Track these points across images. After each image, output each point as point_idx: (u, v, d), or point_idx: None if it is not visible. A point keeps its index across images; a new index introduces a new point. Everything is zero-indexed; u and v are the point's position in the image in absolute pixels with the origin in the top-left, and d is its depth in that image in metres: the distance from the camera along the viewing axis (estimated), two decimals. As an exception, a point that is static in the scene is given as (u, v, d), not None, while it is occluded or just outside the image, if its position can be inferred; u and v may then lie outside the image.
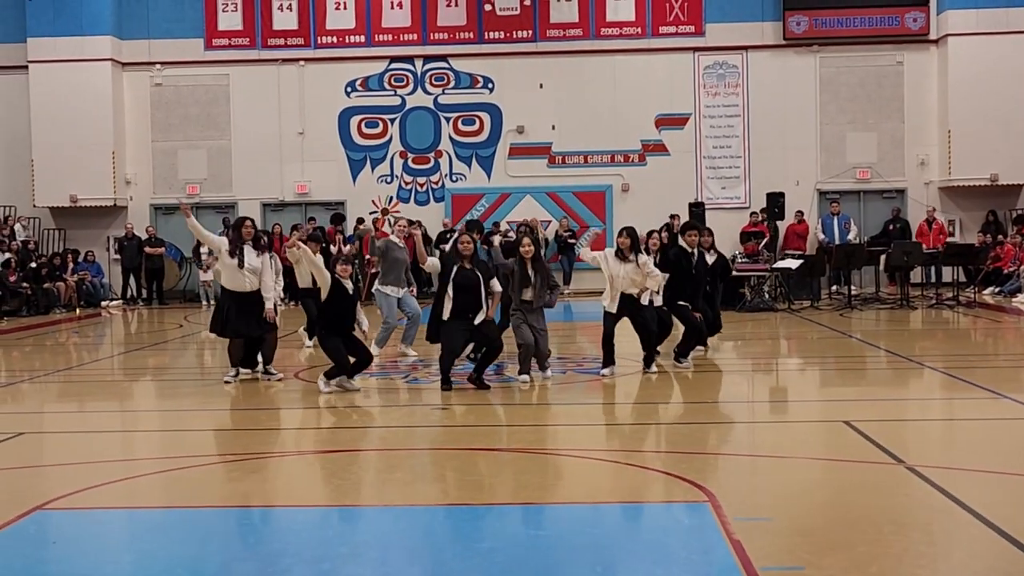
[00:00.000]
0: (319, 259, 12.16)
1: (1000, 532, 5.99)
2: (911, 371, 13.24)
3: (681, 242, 13.78)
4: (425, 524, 6.77)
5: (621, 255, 12.42)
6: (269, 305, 12.42)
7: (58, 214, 28.15)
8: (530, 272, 12.11)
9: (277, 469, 8.57)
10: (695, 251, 13.59)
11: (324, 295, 11.75)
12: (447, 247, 14.29)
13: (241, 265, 12.35)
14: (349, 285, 11.71)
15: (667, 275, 13.12)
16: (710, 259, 14.43)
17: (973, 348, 16.23)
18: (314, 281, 12.39)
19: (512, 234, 25.83)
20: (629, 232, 12.56)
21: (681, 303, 13.34)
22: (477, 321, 11.66)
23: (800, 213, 25.74)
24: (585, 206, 27.47)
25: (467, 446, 8.93)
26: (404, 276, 14.49)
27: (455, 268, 11.79)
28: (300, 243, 13.02)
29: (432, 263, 12.86)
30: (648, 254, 12.89)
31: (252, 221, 12.98)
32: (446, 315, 11.69)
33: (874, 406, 10.69)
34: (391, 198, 27.92)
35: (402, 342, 14.72)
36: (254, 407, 11.72)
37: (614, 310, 12.44)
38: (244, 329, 12.48)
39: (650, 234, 14.00)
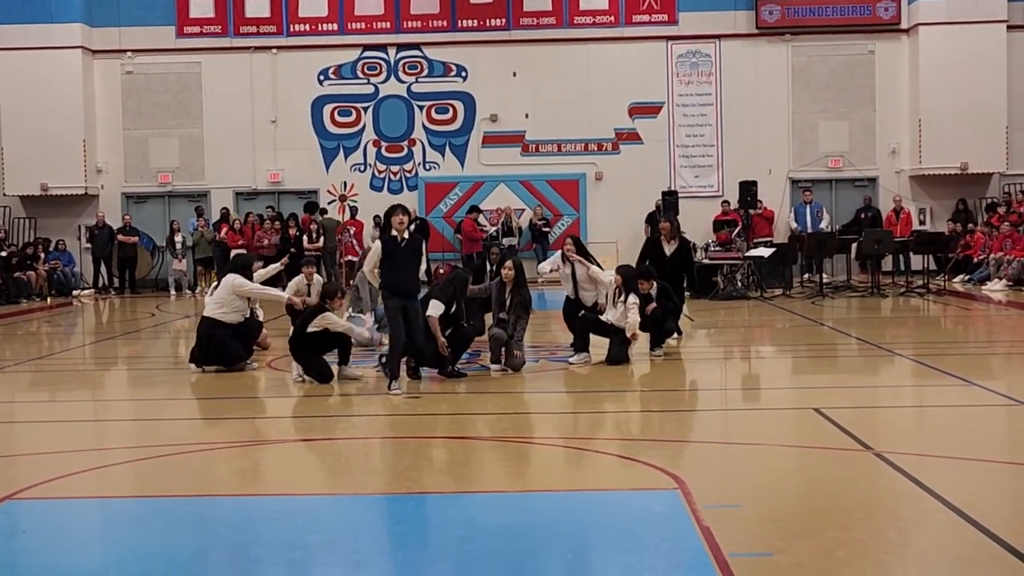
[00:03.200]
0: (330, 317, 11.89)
1: (966, 518, 6.05)
2: (881, 359, 13.33)
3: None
4: (396, 512, 6.78)
5: (565, 258, 13.07)
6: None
7: (29, 203, 27.95)
8: (506, 296, 12.17)
9: (249, 458, 8.56)
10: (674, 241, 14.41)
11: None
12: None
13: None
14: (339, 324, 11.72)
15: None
16: (669, 249, 14.62)
17: (943, 336, 16.36)
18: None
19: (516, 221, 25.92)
20: (574, 240, 13.36)
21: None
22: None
23: (759, 202, 25.64)
24: (559, 194, 27.49)
25: (438, 434, 8.95)
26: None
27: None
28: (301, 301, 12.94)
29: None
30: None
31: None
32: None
33: (844, 393, 10.76)
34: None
35: (380, 330, 14.64)
36: (226, 396, 11.69)
37: (573, 296, 13.14)
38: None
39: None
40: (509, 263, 12.36)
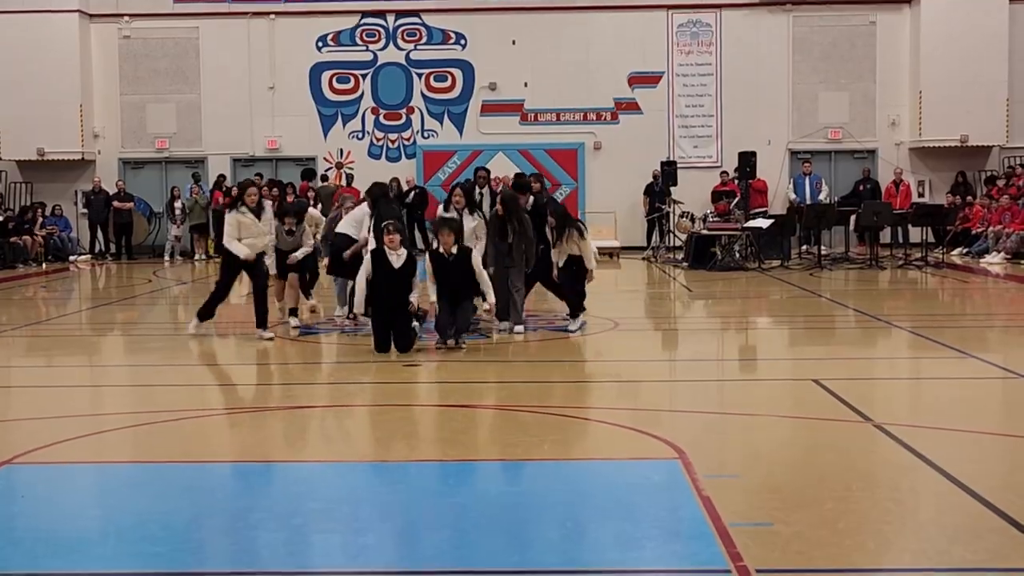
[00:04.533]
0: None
1: (966, 489, 6.05)
2: (879, 330, 13.33)
3: None
4: (394, 480, 6.78)
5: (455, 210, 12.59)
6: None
7: (25, 168, 27.84)
8: (509, 229, 12.14)
9: (248, 424, 8.56)
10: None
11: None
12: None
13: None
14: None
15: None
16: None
17: (941, 308, 16.36)
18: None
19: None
20: (464, 191, 12.90)
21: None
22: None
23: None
24: (557, 164, 27.40)
25: (437, 403, 8.94)
26: None
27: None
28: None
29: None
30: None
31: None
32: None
33: (843, 365, 10.77)
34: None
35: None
36: (224, 363, 11.70)
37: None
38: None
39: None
40: (500, 198, 12.45)
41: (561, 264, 12.57)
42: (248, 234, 12.26)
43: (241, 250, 12.16)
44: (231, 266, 12.48)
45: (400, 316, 11.24)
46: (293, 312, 13.40)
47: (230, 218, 12.34)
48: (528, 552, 5.33)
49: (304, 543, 5.49)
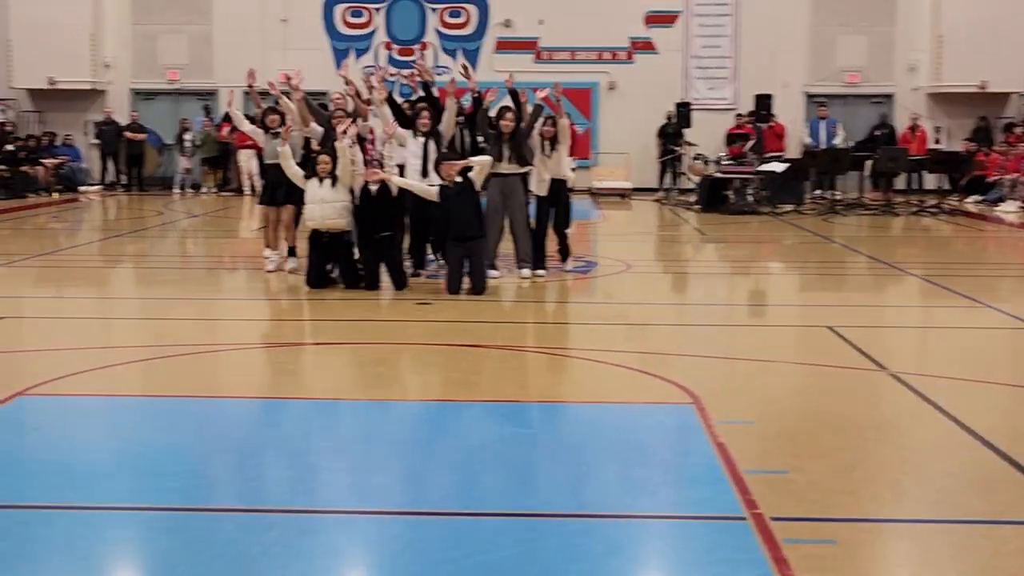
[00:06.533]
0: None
1: (981, 439, 6.03)
2: (893, 278, 13.25)
3: None
4: (406, 419, 6.77)
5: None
6: None
7: (36, 96, 27.65)
8: (504, 150, 11.91)
9: (260, 361, 8.54)
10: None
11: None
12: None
13: None
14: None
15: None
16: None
17: (954, 256, 16.24)
18: None
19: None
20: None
21: None
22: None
23: (773, 116, 25.18)
24: (571, 103, 27.11)
25: (450, 342, 8.90)
26: None
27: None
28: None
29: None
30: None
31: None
32: None
33: (857, 312, 10.71)
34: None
35: None
36: (238, 297, 11.68)
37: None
38: None
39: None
40: (509, 114, 11.95)
41: (544, 192, 12.31)
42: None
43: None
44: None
45: (390, 249, 11.21)
46: (292, 251, 12.67)
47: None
48: (539, 495, 5.32)
49: (314, 481, 5.49)
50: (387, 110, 12.12)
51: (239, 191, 25.80)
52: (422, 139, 11.92)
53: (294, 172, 11.55)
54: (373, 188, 11.14)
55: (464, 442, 6.21)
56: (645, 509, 5.08)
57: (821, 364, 8.12)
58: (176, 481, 5.35)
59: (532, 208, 12.42)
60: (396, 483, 5.47)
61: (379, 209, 11.16)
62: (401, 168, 11.82)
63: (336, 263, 11.41)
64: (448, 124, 12.10)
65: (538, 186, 12.36)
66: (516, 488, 5.41)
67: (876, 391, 7.34)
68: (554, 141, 12.33)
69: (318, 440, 6.21)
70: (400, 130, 11.94)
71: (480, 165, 11.21)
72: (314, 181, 11.23)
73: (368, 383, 7.72)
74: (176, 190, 26.45)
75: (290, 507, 5.07)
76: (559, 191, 12.44)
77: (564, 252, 12.75)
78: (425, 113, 11.99)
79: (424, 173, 11.73)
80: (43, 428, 6.50)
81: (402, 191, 11.43)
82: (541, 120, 12.28)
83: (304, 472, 5.65)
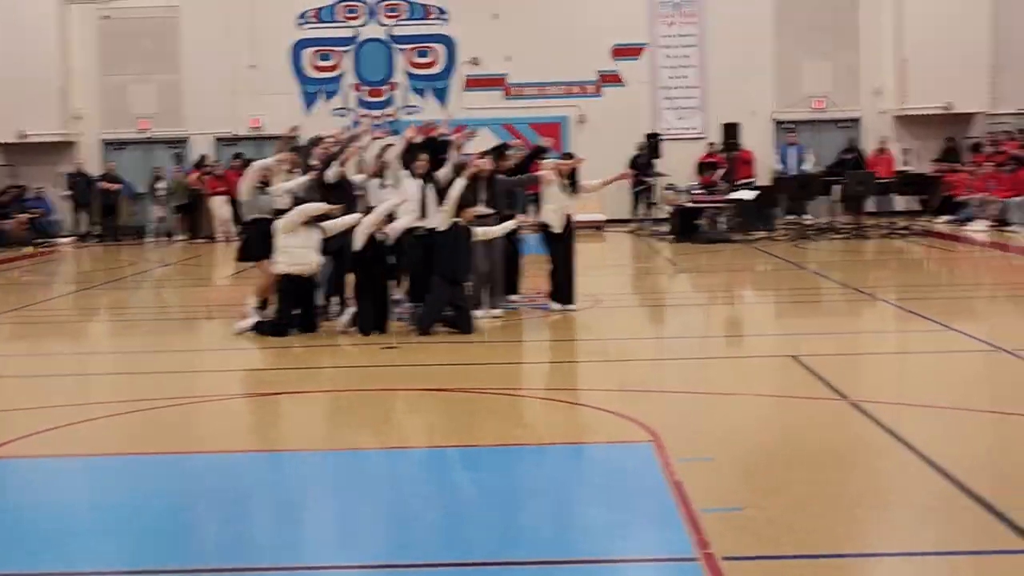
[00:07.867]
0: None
1: (938, 469, 6.04)
2: (862, 303, 13.32)
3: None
4: (367, 468, 6.75)
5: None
6: None
7: (6, 150, 27.63)
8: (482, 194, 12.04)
9: (229, 412, 8.52)
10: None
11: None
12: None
13: None
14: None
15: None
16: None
17: (924, 279, 16.35)
18: None
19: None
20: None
21: None
22: None
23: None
24: (542, 138, 27.21)
25: (414, 386, 8.88)
26: None
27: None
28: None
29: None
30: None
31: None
32: None
33: (823, 340, 10.74)
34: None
35: None
36: (208, 348, 11.65)
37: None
38: None
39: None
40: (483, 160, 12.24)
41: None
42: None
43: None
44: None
45: (382, 293, 11.31)
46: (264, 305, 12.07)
47: None
48: (486, 542, 5.28)
49: (293, 536, 5.47)
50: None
51: (211, 238, 25.75)
52: (419, 181, 12.17)
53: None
54: (380, 237, 11.20)
55: (423, 489, 6.19)
56: (596, 553, 5.07)
57: (783, 396, 8.15)
58: (146, 540, 5.31)
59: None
60: (365, 535, 5.45)
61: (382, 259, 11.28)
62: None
63: (301, 307, 11.40)
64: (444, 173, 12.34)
65: (555, 221, 12.55)
66: (464, 535, 5.37)
67: (836, 422, 7.35)
68: (572, 176, 12.49)
69: (290, 493, 6.19)
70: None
71: (500, 230, 11.77)
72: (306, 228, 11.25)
73: (337, 431, 7.70)
74: (150, 239, 26.42)
75: (270, 565, 5.06)
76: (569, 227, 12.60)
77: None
78: (422, 156, 12.30)
79: (422, 214, 11.98)
80: (11, 490, 6.45)
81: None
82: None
83: (280, 526, 5.62)
